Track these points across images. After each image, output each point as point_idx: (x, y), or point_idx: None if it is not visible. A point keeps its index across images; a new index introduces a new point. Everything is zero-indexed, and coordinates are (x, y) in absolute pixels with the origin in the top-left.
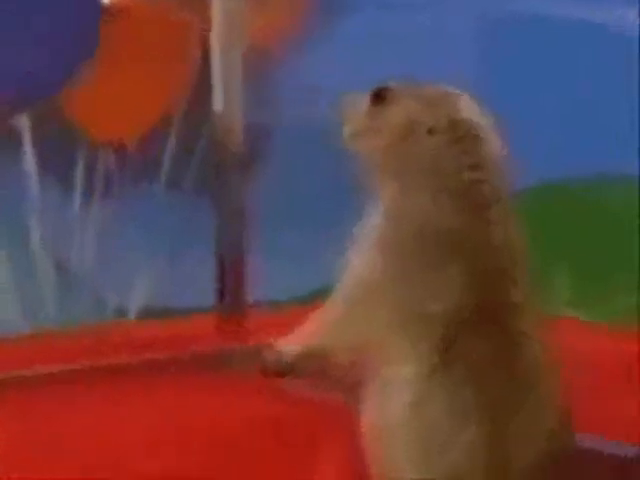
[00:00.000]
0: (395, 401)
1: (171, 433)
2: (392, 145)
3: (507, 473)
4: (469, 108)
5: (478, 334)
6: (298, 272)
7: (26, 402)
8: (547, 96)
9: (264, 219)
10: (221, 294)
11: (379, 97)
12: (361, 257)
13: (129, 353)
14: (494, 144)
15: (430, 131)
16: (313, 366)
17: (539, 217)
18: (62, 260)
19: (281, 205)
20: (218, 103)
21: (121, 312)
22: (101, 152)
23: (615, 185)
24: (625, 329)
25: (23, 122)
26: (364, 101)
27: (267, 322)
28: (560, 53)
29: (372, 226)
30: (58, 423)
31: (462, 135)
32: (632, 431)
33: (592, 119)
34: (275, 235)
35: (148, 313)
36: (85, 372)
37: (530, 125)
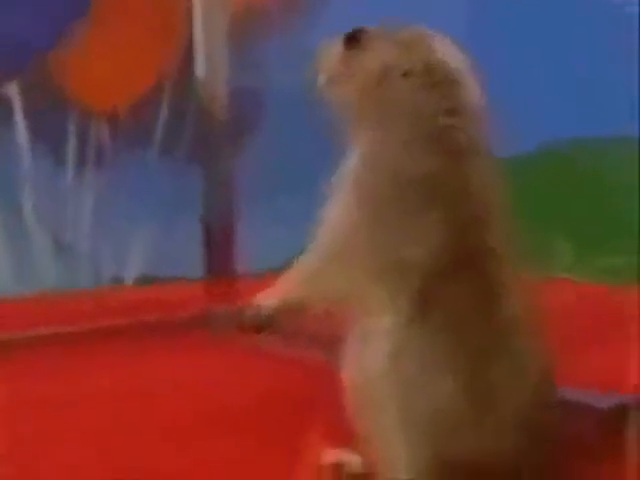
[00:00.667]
0: (374, 352)
1: (164, 389)
2: (367, 89)
3: (491, 422)
4: (446, 52)
5: (457, 281)
6: (290, 239)
7: (26, 362)
8: (542, 60)
9: (257, 186)
10: (208, 259)
11: (353, 40)
12: (337, 204)
13: (123, 316)
14: (472, 90)
15: (405, 74)
16: (291, 320)
17: (538, 181)
18: (57, 229)
19: (274, 172)
20: (201, 69)
21: (116, 279)
22: (93, 120)
23: (612, 148)
24: (622, 289)
25: (13, 91)
26: (338, 46)
27: (258, 286)
28: (559, 15)
29: (348, 170)
30: (58, 382)
31: (438, 79)
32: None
33: (588, 82)
34: (266, 203)
35: (142, 280)
36: (84, 334)
37: (527, 91)
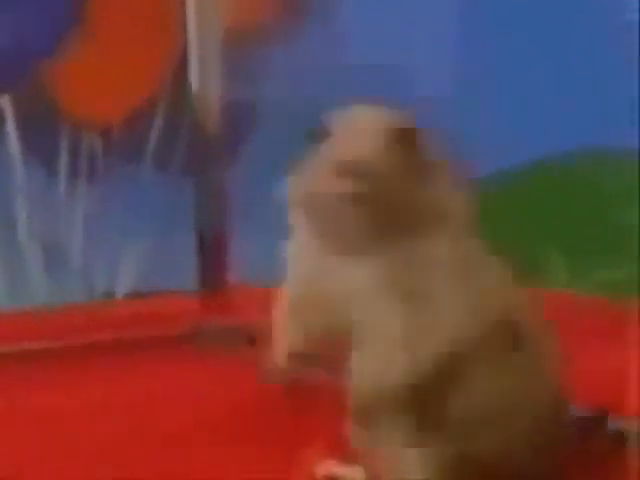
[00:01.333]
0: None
1: (157, 403)
2: None
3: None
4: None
5: None
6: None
7: (18, 375)
8: (540, 69)
9: (250, 198)
10: (202, 271)
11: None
12: None
13: (116, 330)
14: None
15: None
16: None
17: (534, 193)
18: (49, 243)
19: (267, 184)
20: (195, 82)
21: (109, 294)
22: (86, 133)
23: (611, 159)
24: (622, 302)
25: (5, 102)
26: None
27: (251, 298)
28: (558, 24)
29: None
30: (50, 395)
31: None
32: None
33: (588, 92)
34: (260, 215)
35: (135, 293)
36: (76, 348)
37: (524, 101)
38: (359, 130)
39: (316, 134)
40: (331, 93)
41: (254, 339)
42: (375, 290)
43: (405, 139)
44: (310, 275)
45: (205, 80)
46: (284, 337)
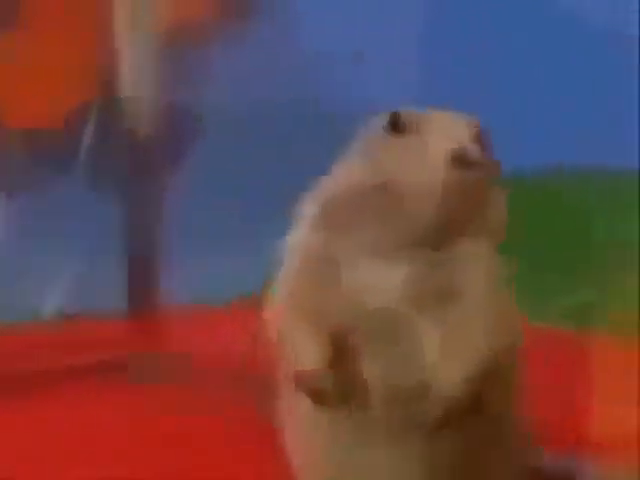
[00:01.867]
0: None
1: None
2: None
3: None
4: None
5: None
6: (223, 272)
7: None
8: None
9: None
10: (131, 293)
11: None
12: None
13: (42, 354)
14: None
15: None
16: None
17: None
18: None
19: (205, 201)
20: (128, 87)
21: (34, 314)
22: (12, 142)
23: (572, 176)
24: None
25: None
26: None
27: (183, 323)
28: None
29: None
30: None
31: None
32: None
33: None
34: (196, 235)
35: (62, 315)
36: None
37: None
38: (453, 125)
39: (398, 124)
40: (278, 97)
41: (189, 365)
42: (414, 288)
43: (482, 136)
44: (314, 267)
45: (139, 85)
46: (308, 334)
